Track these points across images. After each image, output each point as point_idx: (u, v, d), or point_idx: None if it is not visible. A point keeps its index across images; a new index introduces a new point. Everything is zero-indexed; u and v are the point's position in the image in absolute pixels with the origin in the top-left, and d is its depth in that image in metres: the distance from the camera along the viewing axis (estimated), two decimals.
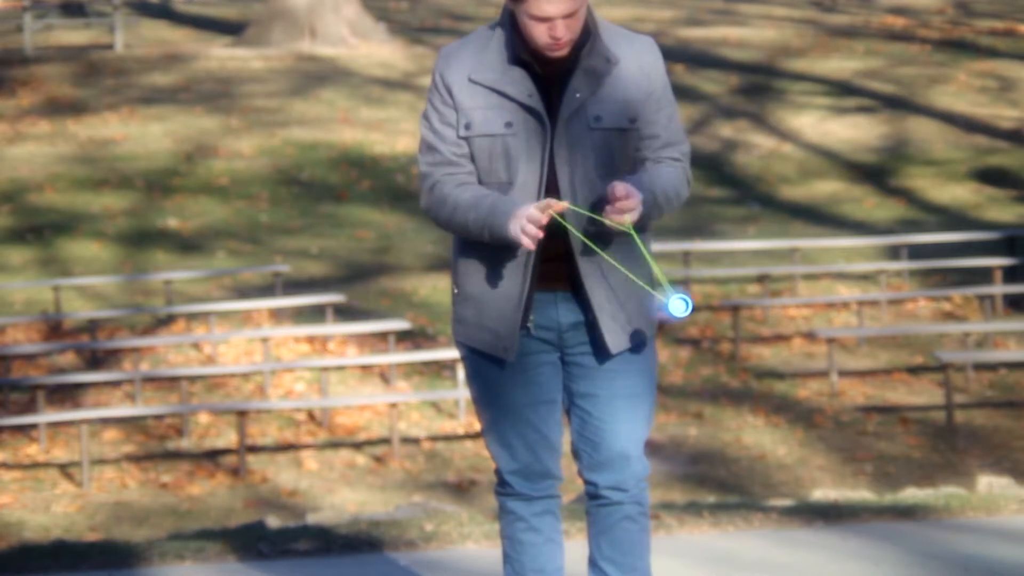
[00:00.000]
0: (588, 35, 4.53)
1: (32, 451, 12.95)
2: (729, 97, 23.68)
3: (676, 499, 10.50)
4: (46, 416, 12.71)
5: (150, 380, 13.90)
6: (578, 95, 4.51)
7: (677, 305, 4.42)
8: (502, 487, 4.75)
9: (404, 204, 19.52)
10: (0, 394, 13.75)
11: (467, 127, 4.53)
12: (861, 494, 8.78)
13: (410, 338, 14.98)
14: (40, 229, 18.60)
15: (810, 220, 19.20)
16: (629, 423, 4.64)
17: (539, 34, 4.45)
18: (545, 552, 4.75)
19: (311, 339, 14.83)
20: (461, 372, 13.29)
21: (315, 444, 13.09)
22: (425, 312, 15.69)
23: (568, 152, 4.51)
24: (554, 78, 4.53)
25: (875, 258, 17.38)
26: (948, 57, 25.61)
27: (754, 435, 13.32)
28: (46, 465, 12.77)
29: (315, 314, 15.50)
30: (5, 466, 12.71)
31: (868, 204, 19.88)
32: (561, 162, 4.52)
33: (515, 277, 4.54)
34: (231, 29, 27.86)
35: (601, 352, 4.60)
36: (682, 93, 20.48)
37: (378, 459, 12.87)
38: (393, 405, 12.92)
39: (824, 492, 8.91)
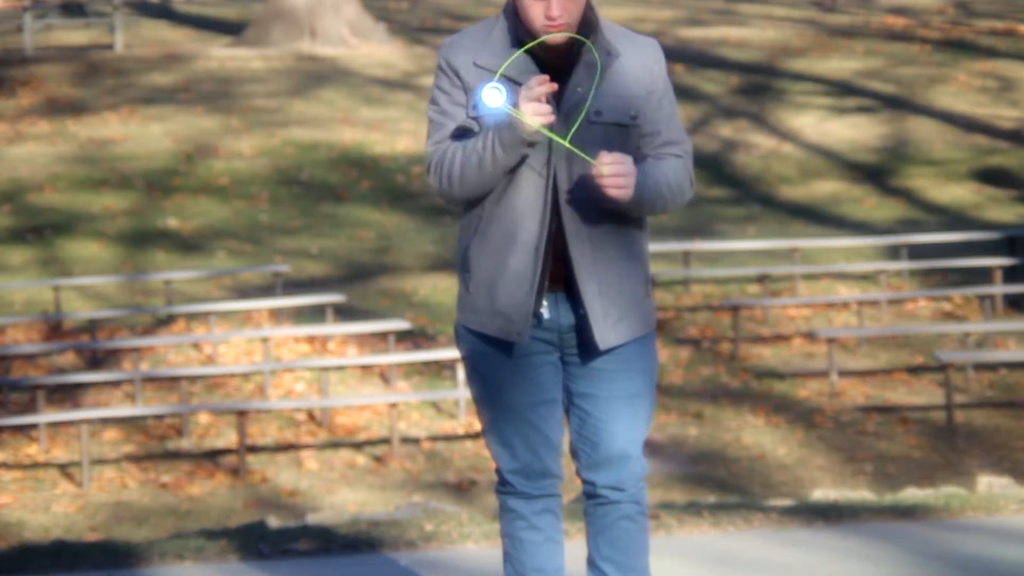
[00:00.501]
0: (591, 29, 4.55)
1: (32, 451, 12.95)
2: (729, 97, 23.68)
3: (676, 499, 10.50)
4: (46, 416, 12.71)
5: (150, 380, 13.90)
6: (579, 88, 4.52)
7: (491, 95, 4.37)
8: (503, 486, 4.76)
9: (404, 204, 19.53)
10: (0, 394, 13.75)
11: (474, 108, 4.55)
12: (861, 494, 8.77)
13: (410, 338, 14.98)
14: (40, 229, 18.60)
15: (810, 220, 19.20)
16: (628, 423, 4.65)
17: (535, 15, 4.48)
18: (545, 551, 4.75)
19: (311, 339, 14.83)
20: (461, 372, 13.29)
21: (315, 444, 13.09)
22: (425, 312, 15.69)
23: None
24: (557, 69, 4.54)
25: (875, 258, 17.38)
26: (948, 57, 25.61)
27: (754, 435, 13.32)
28: (46, 465, 12.77)
29: (315, 314, 15.50)
30: (5, 466, 12.71)
31: (868, 204, 19.88)
32: (559, 156, 4.53)
33: (526, 260, 4.55)
34: (231, 29, 27.86)
35: (590, 348, 4.60)
36: (682, 93, 20.45)
37: (378, 459, 12.87)
38: (393, 405, 12.92)
39: (824, 492, 8.90)
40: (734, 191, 20.31)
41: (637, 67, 4.60)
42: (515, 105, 4.38)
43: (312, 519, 7.94)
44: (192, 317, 15.42)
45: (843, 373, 14.54)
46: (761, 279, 16.29)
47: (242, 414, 12.59)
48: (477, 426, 11.08)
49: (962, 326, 14.93)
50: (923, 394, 14.25)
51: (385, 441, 13.10)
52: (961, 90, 23.85)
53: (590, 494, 4.70)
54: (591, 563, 4.75)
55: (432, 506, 8.36)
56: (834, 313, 15.97)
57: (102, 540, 9.22)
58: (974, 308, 16.02)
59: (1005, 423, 13.68)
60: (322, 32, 25.86)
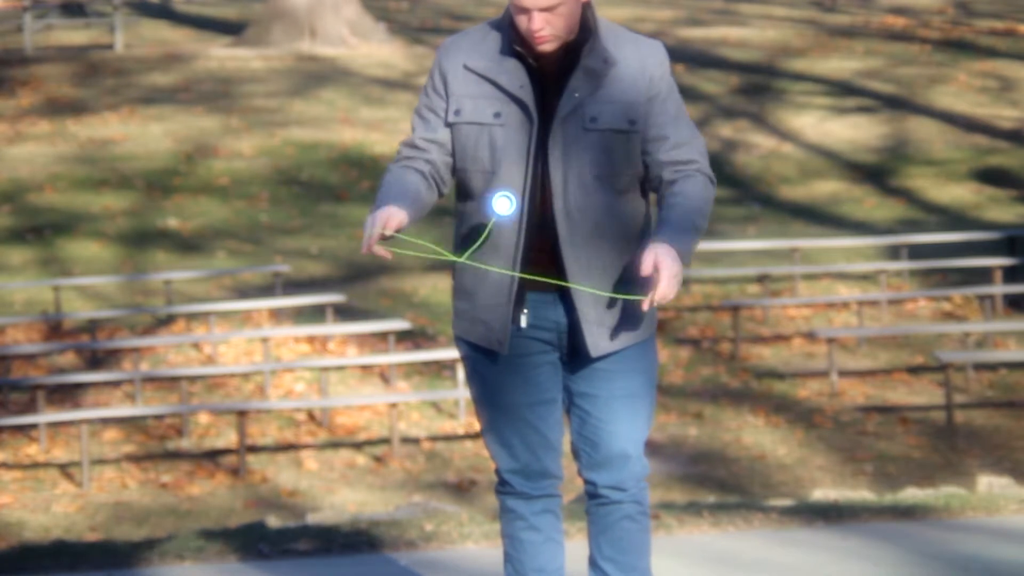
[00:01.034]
0: (589, 34, 4.53)
1: (32, 451, 12.95)
2: (729, 97, 23.68)
3: (676, 499, 10.50)
4: (46, 416, 12.71)
5: (150, 380, 13.90)
6: (576, 94, 4.50)
7: (501, 204, 4.42)
8: (502, 486, 4.75)
9: None
10: (0, 394, 13.75)
11: (457, 113, 4.55)
12: (861, 494, 8.77)
13: (410, 338, 14.98)
14: (40, 229, 18.60)
15: (810, 220, 19.20)
16: (628, 423, 4.65)
17: (522, 24, 4.48)
18: (545, 551, 4.75)
19: (311, 339, 14.83)
20: (461, 372, 13.29)
21: (315, 444, 13.09)
22: (425, 312, 15.69)
23: (562, 152, 4.51)
24: (552, 75, 4.53)
25: (875, 258, 17.38)
26: (948, 57, 25.61)
27: (754, 435, 13.32)
28: (46, 465, 12.77)
29: (315, 314, 15.50)
30: (5, 466, 12.71)
31: (868, 204, 19.88)
32: (555, 161, 4.52)
33: (504, 269, 4.55)
34: (231, 29, 27.86)
35: (583, 354, 4.59)
36: (682, 93, 20.60)
37: (378, 459, 12.87)
38: (393, 405, 12.92)
39: (824, 492, 8.90)
40: (734, 191, 20.31)
41: (636, 72, 4.55)
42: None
43: (312, 519, 7.94)
44: (192, 317, 15.41)
45: (843, 373, 14.54)
46: (761, 279, 16.29)
47: (242, 414, 12.59)
48: (477, 426, 11.11)
49: (962, 326, 14.93)
50: (923, 394, 14.25)
51: (385, 441, 13.10)
52: (961, 90, 23.85)
53: (591, 494, 4.70)
54: (592, 563, 4.74)
55: (432, 506, 8.36)
56: (834, 313, 15.97)
57: (102, 540, 9.22)
58: (974, 308, 16.02)
59: (1005, 423, 13.68)
60: (322, 32, 25.86)
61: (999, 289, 15.81)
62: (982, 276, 16.44)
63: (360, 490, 12.31)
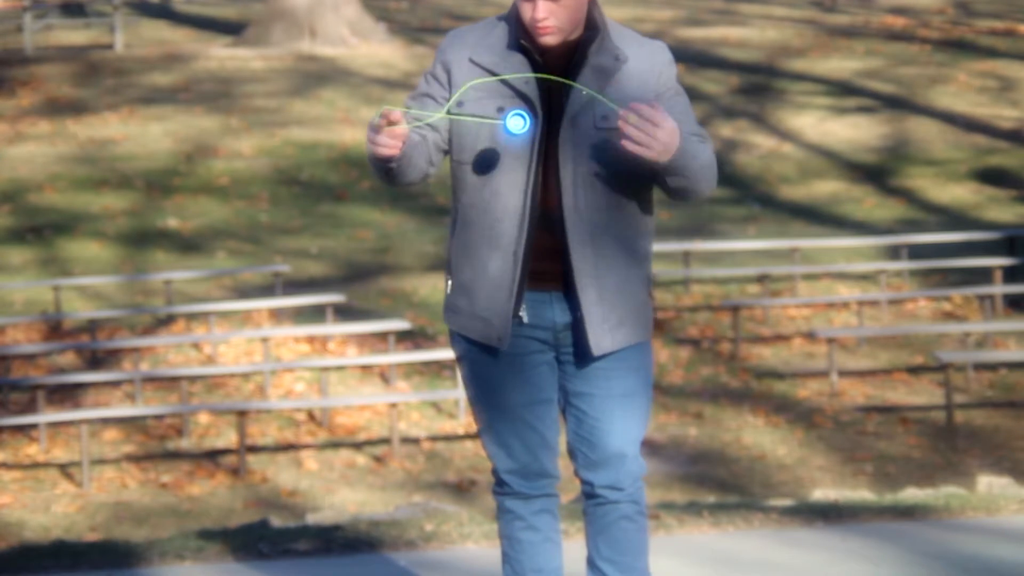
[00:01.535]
0: (597, 32, 4.52)
1: (32, 451, 12.95)
2: (729, 97, 23.68)
3: (676, 499, 10.50)
4: (46, 416, 12.71)
5: (150, 380, 13.90)
6: (585, 91, 4.50)
7: (515, 122, 4.41)
8: (500, 486, 4.75)
9: (404, 204, 19.53)
10: (0, 394, 13.75)
11: (459, 105, 4.53)
12: (861, 494, 8.77)
13: (410, 338, 14.98)
14: (40, 229, 18.61)
15: (810, 220, 19.20)
16: (624, 422, 4.63)
17: (526, 13, 4.46)
18: (543, 551, 4.75)
19: (311, 339, 14.83)
20: None
21: (315, 444, 13.09)
22: (425, 312, 15.69)
23: (572, 150, 4.50)
24: (557, 72, 4.52)
25: (875, 258, 17.38)
26: (948, 57, 25.61)
27: (754, 435, 13.32)
28: (46, 465, 12.77)
29: (315, 314, 15.50)
30: (5, 466, 12.71)
31: (868, 204, 19.88)
32: (564, 159, 4.50)
33: (505, 265, 4.54)
34: (231, 29, 27.86)
35: (584, 353, 4.59)
36: None
37: (378, 459, 12.87)
38: (393, 405, 12.92)
39: (824, 492, 8.90)
40: (734, 191, 20.31)
41: (645, 70, 4.55)
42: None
43: (312, 519, 7.94)
44: (192, 317, 15.41)
45: (843, 373, 14.54)
46: (761, 279, 16.29)
47: (242, 414, 12.59)
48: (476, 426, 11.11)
49: (962, 326, 14.93)
50: (923, 394, 14.25)
51: (385, 441, 13.10)
52: (961, 90, 23.85)
53: (589, 494, 4.69)
54: (591, 563, 4.74)
55: (432, 506, 8.36)
56: (834, 313, 15.97)
57: (102, 540, 9.21)
58: (974, 308, 16.01)
59: (1005, 423, 13.68)
60: (322, 32, 25.86)
61: (999, 289, 15.81)
62: (982, 276, 16.44)
63: (360, 490, 12.31)
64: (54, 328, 15.36)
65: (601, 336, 4.56)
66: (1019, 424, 13.64)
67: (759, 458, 12.85)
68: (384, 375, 14.24)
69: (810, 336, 15.20)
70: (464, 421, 13.40)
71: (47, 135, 21.77)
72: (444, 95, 4.57)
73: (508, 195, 4.50)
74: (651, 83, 4.54)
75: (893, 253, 17.34)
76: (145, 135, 21.74)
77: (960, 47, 26.30)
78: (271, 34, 25.95)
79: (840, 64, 25.16)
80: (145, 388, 13.83)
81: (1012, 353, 14.67)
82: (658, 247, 16.27)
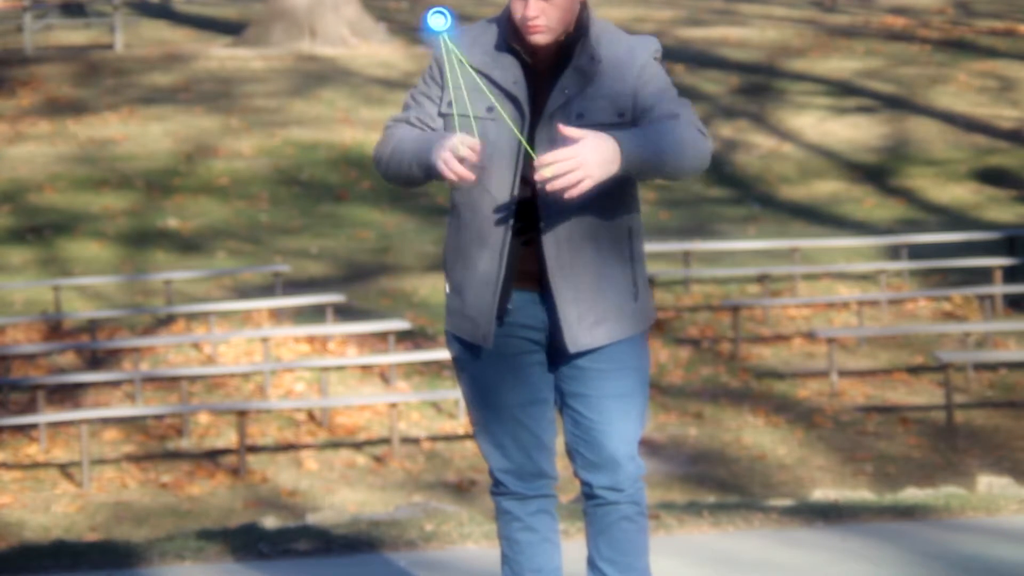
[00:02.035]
0: (581, 32, 4.54)
1: (32, 451, 12.95)
2: (729, 97, 23.68)
3: (676, 499, 10.50)
4: (46, 416, 12.71)
5: (150, 380, 13.89)
6: (566, 91, 4.52)
7: (436, 20, 4.43)
8: (496, 487, 4.75)
9: (404, 204, 19.53)
10: (0, 394, 13.75)
11: (450, 104, 4.56)
12: (861, 494, 8.77)
13: (410, 338, 14.98)
14: (40, 229, 18.60)
15: (810, 220, 19.20)
16: (621, 423, 4.62)
17: (517, 12, 4.49)
18: (542, 551, 4.75)
19: (311, 339, 14.83)
20: None
21: (315, 444, 13.09)
22: (425, 312, 15.69)
23: (548, 148, 4.50)
24: (545, 73, 4.54)
25: (875, 258, 17.38)
26: (948, 57, 25.61)
27: (754, 435, 13.32)
28: (46, 465, 12.77)
29: (315, 314, 15.50)
30: (5, 466, 12.71)
31: (868, 204, 19.88)
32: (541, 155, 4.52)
33: (492, 264, 4.55)
34: (231, 29, 27.86)
35: (563, 351, 4.58)
36: (682, 93, 20.56)
37: (378, 459, 12.87)
38: (393, 405, 12.92)
39: (824, 492, 8.90)
40: (734, 191, 20.31)
41: (623, 66, 4.55)
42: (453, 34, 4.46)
43: (312, 519, 7.94)
44: (192, 317, 15.41)
45: (843, 373, 14.54)
46: (761, 279, 16.29)
47: (242, 414, 12.59)
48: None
49: (962, 326, 14.93)
50: (923, 394, 14.25)
51: (385, 441, 13.10)
52: (961, 90, 23.85)
53: (588, 495, 4.69)
54: (591, 563, 4.74)
55: (432, 506, 8.36)
56: (834, 313, 15.97)
57: (102, 540, 9.21)
58: (974, 308, 16.01)
59: (1005, 423, 13.68)
60: (322, 32, 25.86)
61: (999, 289, 15.81)
62: (982, 276, 16.44)
63: (360, 490, 12.31)
64: (54, 328, 15.36)
65: (577, 334, 4.54)
66: (1019, 424, 13.64)
67: (759, 458, 12.85)
68: (384, 375, 14.24)
69: (810, 336, 15.20)
70: (464, 421, 13.40)
71: (47, 135, 21.77)
72: (440, 95, 4.61)
73: (496, 194, 4.53)
74: (628, 78, 4.54)
75: (893, 253, 17.34)
76: (145, 135, 21.74)
77: (960, 47, 26.30)
78: (271, 34, 25.95)
79: (840, 64, 25.16)
80: (145, 388, 13.83)
81: (1012, 353, 14.67)
82: (658, 247, 16.29)
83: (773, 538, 6.86)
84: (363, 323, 14.74)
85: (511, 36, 4.54)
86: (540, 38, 4.49)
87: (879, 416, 13.76)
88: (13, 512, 11.88)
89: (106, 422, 13.23)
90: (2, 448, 12.98)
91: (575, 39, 4.53)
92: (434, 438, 13.23)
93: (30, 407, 13.31)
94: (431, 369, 14.29)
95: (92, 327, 15.01)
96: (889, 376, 14.63)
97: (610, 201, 4.56)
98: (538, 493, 4.72)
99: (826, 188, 20.52)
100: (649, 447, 12.45)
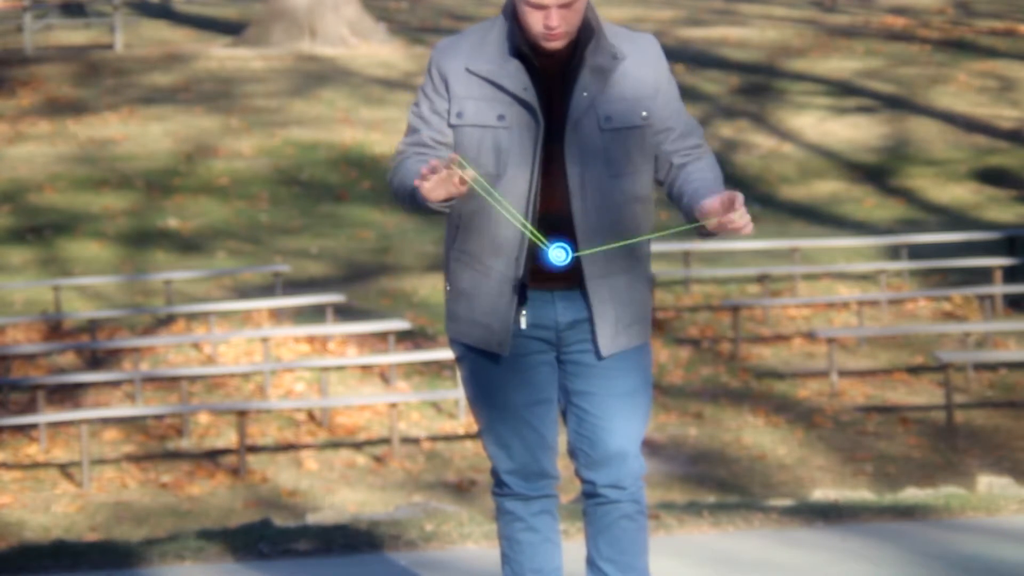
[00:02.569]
0: (592, 32, 4.52)
1: (32, 451, 12.95)
2: (729, 97, 23.68)
3: (676, 499, 10.50)
4: (46, 416, 12.71)
5: (150, 380, 13.89)
6: (586, 94, 4.49)
7: (557, 255, 4.42)
8: (499, 488, 4.75)
9: None
10: (0, 394, 13.75)
11: (459, 116, 4.52)
12: (861, 494, 8.77)
13: (410, 338, 14.98)
14: (40, 229, 18.60)
15: (810, 220, 19.20)
16: (626, 420, 4.63)
17: (534, 22, 4.44)
18: (543, 552, 4.75)
19: (311, 339, 14.83)
20: None
21: (315, 444, 13.09)
22: (425, 312, 15.69)
23: (579, 153, 4.50)
24: (555, 75, 4.51)
25: (875, 258, 17.38)
26: (948, 57, 25.61)
27: (754, 435, 13.32)
28: (46, 465, 12.77)
29: (315, 314, 15.50)
30: (5, 466, 12.71)
31: (868, 204, 19.88)
32: (572, 163, 4.50)
33: (507, 271, 4.54)
34: (231, 29, 27.86)
35: (593, 353, 4.60)
36: (682, 93, 20.57)
37: (378, 459, 12.87)
38: (393, 405, 12.92)
39: (824, 492, 8.90)
40: (734, 191, 20.29)
41: (642, 66, 4.56)
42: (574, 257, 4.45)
43: (312, 519, 7.94)
44: (192, 317, 15.41)
45: (843, 373, 14.54)
46: (761, 279, 16.29)
47: (242, 414, 12.59)
48: (477, 426, 11.13)
49: (962, 326, 14.93)
50: (923, 394, 14.25)
51: (385, 441, 13.10)
52: (961, 90, 23.85)
53: (589, 493, 4.69)
54: (591, 563, 4.74)
55: (432, 506, 8.35)
56: (834, 313, 15.97)
57: (102, 540, 9.21)
58: (974, 308, 16.01)
59: (1005, 423, 13.68)
60: (322, 32, 25.86)
61: (999, 289, 15.81)
62: (982, 276, 16.44)
63: (360, 490, 12.31)
64: (54, 328, 15.36)
65: (613, 336, 4.57)
66: (1019, 424, 13.64)
67: (759, 458, 12.85)
68: (384, 375, 14.23)
69: (810, 336, 15.20)
70: (464, 421, 13.40)
71: (47, 135, 21.77)
72: (447, 108, 4.56)
73: (512, 201, 4.49)
74: (650, 79, 4.57)
75: (893, 253, 17.34)
76: (145, 135, 21.74)
77: (960, 47, 26.29)
78: (271, 34, 25.95)
79: (840, 64, 25.16)
80: (145, 388, 13.83)
81: (1012, 353, 14.67)
82: (658, 247, 16.27)
83: (773, 538, 6.86)
84: (363, 323, 14.74)
85: (521, 40, 4.50)
86: (559, 44, 4.47)
87: (879, 416, 13.76)
88: (13, 512, 11.88)
89: (106, 422, 13.23)
90: (2, 448, 12.99)
91: (584, 39, 4.51)
92: (434, 438, 13.23)
93: (30, 407, 13.31)
94: (431, 369, 14.29)
95: (92, 327, 15.01)
96: (889, 376, 14.63)
97: (635, 202, 4.58)
98: (541, 494, 4.72)
99: (826, 188, 20.52)
100: (649, 447, 12.44)
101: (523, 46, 4.50)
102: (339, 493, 12.23)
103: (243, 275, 16.84)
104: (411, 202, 4.51)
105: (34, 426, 13.04)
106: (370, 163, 20.84)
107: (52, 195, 19.68)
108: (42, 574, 6.69)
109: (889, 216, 19.30)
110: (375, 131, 21.93)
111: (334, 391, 13.87)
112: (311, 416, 13.54)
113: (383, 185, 20.16)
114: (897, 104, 23.28)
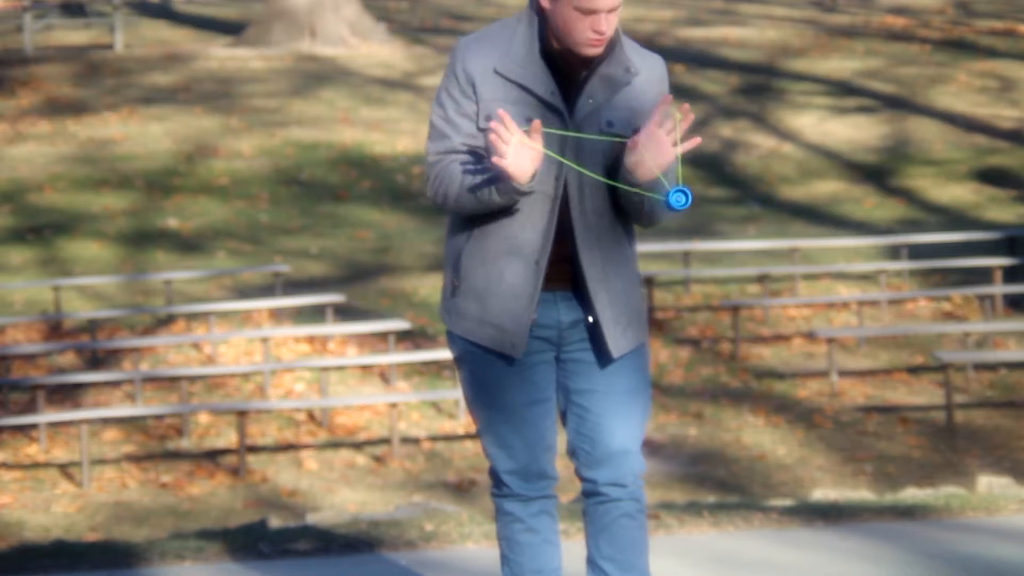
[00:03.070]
0: (613, 43, 4.52)
1: (32, 451, 12.95)
2: (729, 97, 23.68)
3: (676, 499, 10.51)
4: (46, 416, 12.71)
5: (150, 380, 13.90)
6: (591, 100, 4.50)
7: (678, 198, 4.42)
8: (498, 488, 4.75)
9: (404, 204, 19.52)
10: (0, 394, 13.75)
11: (487, 119, 4.48)
12: (861, 494, 8.78)
13: (410, 338, 14.98)
14: (40, 229, 18.61)
15: (810, 220, 19.20)
16: (626, 419, 4.64)
17: (582, 28, 4.41)
18: (543, 552, 4.75)
19: (311, 339, 14.83)
20: None
21: (315, 444, 13.09)
22: (425, 312, 15.69)
23: (576, 155, 4.51)
24: (573, 78, 4.52)
25: (875, 258, 17.38)
26: (948, 57, 25.62)
27: (754, 435, 13.32)
28: (46, 465, 12.77)
29: (315, 314, 15.50)
30: (5, 466, 12.71)
31: (868, 204, 19.88)
32: (576, 172, 4.52)
33: (526, 274, 4.53)
34: (231, 29, 27.86)
35: (602, 354, 4.61)
36: (682, 93, 20.47)
37: (378, 459, 12.87)
38: (393, 405, 12.92)
39: (824, 492, 8.91)
40: (734, 191, 20.31)
41: (646, 84, 4.58)
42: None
43: (312, 519, 7.94)
44: (192, 317, 15.41)
45: (843, 373, 14.54)
46: (761, 279, 16.29)
47: (242, 414, 12.59)
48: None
49: (962, 326, 14.93)
50: (923, 394, 14.25)
51: (385, 441, 13.10)
52: (961, 90, 23.85)
53: (590, 492, 4.69)
54: (591, 562, 4.74)
55: (432, 506, 8.36)
56: (834, 313, 15.97)
57: (102, 540, 9.22)
58: (974, 308, 16.01)
59: (1005, 423, 13.68)
60: (322, 32, 25.86)
61: (999, 289, 15.81)
62: (982, 276, 16.44)
63: (360, 490, 12.31)
64: (54, 328, 15.36)
65: (617, 338, 4.59)
66: (1019, 424, 13.64)
67: (759, 458, 12.85)
68: (384, 375, 14.24)
69: (810, 336, 15.20)
70: (464, 421, 13.40)
71: (47, 135, 21.77)
72: (475, 110, 4.51)
73: (535, 206, 4.49)
74: (652, 99, 4.58)
75: (893, 253, 17.34)
76: (145, 135, 21.74)
77: (960, 47, 26.30)
78: (271, 34, 25.96)
79: (840, 64, 25.17)
80: (145, 388, 13.83)
81: (1012, 353, 14.67)
82: (658, 247, 16.30)
83: (773, 538, 6.86)
84: (363, 323, 14.74)
85: (550, 44, 4.49)
86: (600, 50, 4.48)
87: (879, 416, 13.76)
88: (13, 512, 11.88)
89: (106, 422, 13.23)
90: (2, 448, 12.99)
91: (608, 49, 4.51)
92: (434, 438, 13.23)
93: (30, 407, 13.31)
94: (431, 369, 14.29)
95: (92, 327, 15.01)
96: (889, 376, 14.63)
97: (630, 206, 4.58)
98: (540, 494, 4.72)
99: (826, 188, 20.52)
100: (649, 447, 12.43)
101: (554, 50, 4.49)
102: (339, 493, 12.23)
103: (243, 275, 16.84)
104: (487, 197, 4.43)
105: (34, 426, 13.04)
106: (370, 163, 20.84)
107: (52, 195, 19.69)
108: (42, 574, 6.69)
109: (889, 216, 19.30)
110: (375, 131, 21.93)
111: (334, 391, 13.87)
112: (311, 416, 13.54)
113: (383, 185, 20.19)
114: (897, 104, 23.28)
